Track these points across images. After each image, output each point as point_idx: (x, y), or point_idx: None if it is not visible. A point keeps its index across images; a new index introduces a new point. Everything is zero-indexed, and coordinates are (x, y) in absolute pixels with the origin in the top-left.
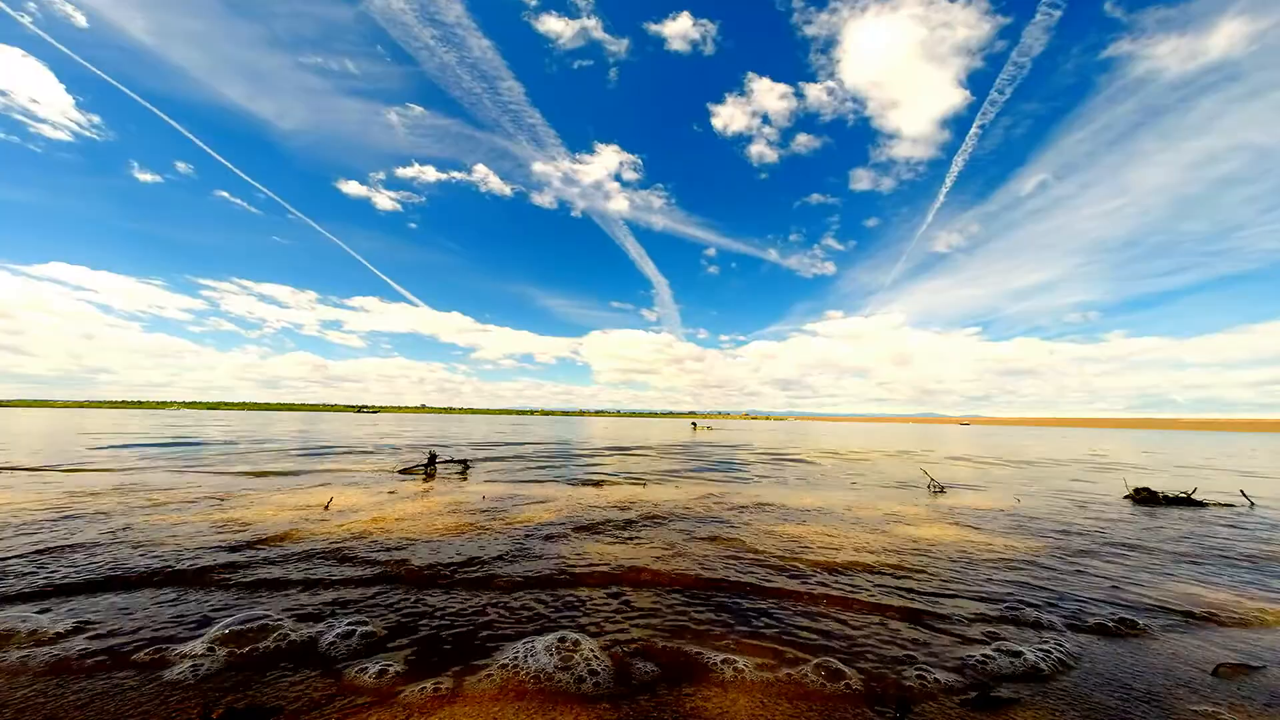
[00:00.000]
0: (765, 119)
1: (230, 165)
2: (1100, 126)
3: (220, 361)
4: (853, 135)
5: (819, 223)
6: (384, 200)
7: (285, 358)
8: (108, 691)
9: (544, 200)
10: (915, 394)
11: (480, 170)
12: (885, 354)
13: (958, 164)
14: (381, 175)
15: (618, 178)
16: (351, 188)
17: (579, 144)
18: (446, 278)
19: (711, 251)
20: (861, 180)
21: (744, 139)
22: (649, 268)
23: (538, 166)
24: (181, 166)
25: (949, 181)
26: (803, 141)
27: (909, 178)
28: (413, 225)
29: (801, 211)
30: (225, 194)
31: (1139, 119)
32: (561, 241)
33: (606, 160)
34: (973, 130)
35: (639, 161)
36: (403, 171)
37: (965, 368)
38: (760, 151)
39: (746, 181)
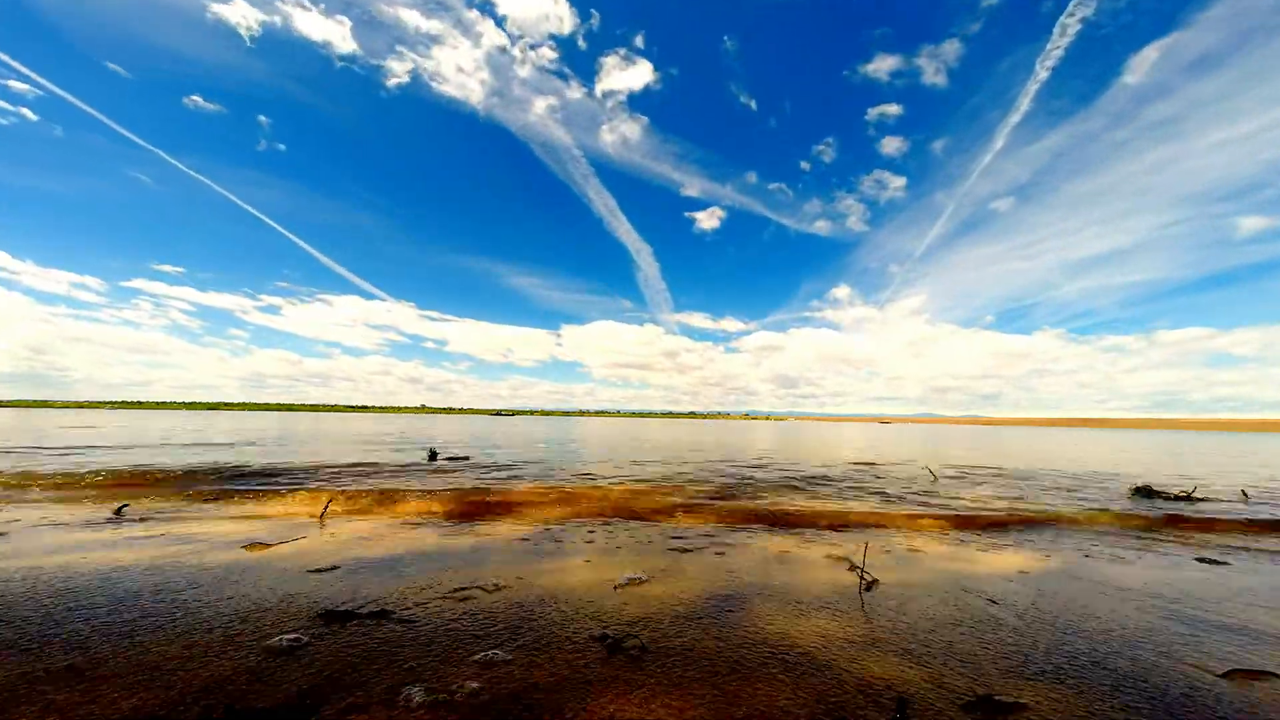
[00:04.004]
0: None
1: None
2: None
3: (191, 358)
4: None
5: (855, 136)
6: (203, 103)
7: (256, 355)
8: None
9: (449, 90)
10: (925, 393)
11: (340, 39)
12: (899, 349)
13: (1068, 30)
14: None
15: (558, 39)
16: (136, 71)
17: None
18: (368, 245)
19: (694, 191)
20: (897, 62)
21: None
22: (621, 227)
23: (420, 24)
24: None
25: (1042, 70)
26: None
27: (992, 42)
28: (282, 146)
29: (830, 118)
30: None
31: None
32: (495, 180)
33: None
34: None
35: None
36: (209, 39)
37: (974, 363)
38: None
39: (741, 48)
